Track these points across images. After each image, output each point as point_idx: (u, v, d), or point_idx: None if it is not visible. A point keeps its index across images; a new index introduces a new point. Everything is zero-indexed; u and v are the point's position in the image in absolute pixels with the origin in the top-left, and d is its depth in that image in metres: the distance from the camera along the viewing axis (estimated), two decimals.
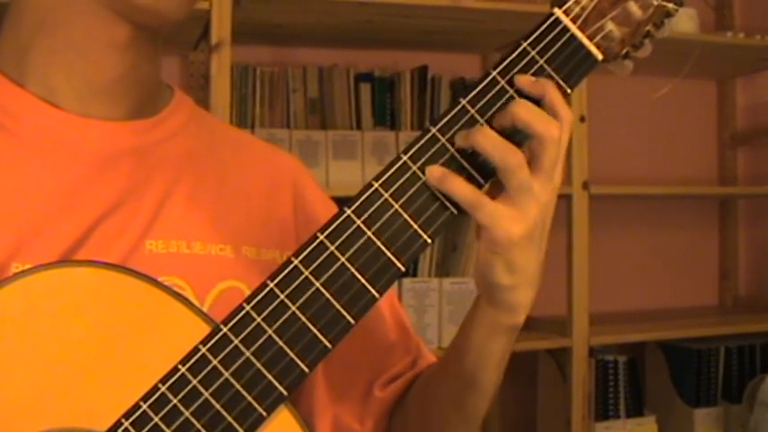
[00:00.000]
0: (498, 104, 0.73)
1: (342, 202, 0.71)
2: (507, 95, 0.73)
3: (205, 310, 0.80)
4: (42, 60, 0.82)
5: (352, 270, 0.70)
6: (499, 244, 0.72)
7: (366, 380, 0.93)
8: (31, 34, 0.83)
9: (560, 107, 0.72)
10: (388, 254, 0.71)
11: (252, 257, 0.87)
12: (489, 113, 0.72)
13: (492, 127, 0.72)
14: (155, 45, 0.87)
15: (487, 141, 0.70)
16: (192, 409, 0.68)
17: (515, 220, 0.72)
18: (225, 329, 0.69)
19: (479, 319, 0.80)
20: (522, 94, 0.73)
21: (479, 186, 0.72)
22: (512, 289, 0.75)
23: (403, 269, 0.71)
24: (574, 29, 0.74)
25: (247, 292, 0.82)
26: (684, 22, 2.32)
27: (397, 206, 0.71)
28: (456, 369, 0.85)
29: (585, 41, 0.74)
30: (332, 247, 0.70)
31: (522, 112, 0.71)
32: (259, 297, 0.69)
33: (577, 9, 0.73)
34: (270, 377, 0.69)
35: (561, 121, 0.72)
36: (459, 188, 0.71)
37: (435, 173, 0.71)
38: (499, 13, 2.07)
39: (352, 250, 0.70)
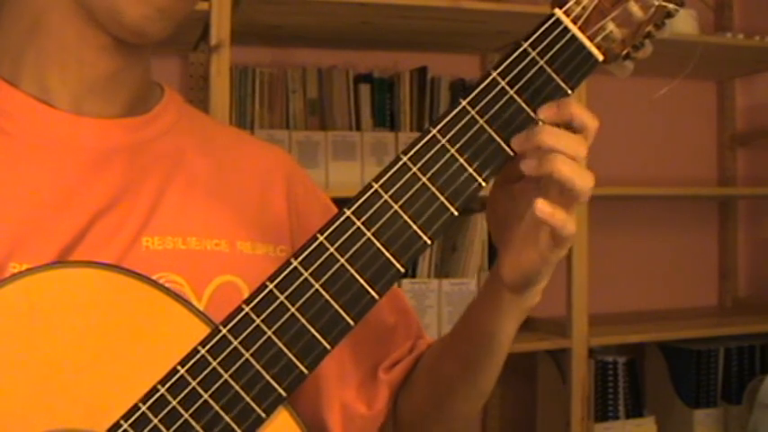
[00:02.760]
0: (498, 105, 0.73)
1: (341, 202, 0.71)
2: (507, 96, 0.73)
3: (202, 305, 0.80)
4: (36, 60, 0.83)
5: (352, 271, 0.70)
6: (561, 256, 0.78)
7: (370, 364, 0.94)
8: (25, 35, 0.83)
9: (587, 119, 0.75)
10: (388, 255, 0.71)
11: (247, 252, 0.87)
12: (490, 114, 0.72)
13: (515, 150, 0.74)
14: (142, 48, 0.87)
15: (567, 168, 0.72)
16: (191, 410, 0.68)
17: (572, 233, 0.76)
18: (224, 330, 0.69)
19: (500, 305, 0.82)
20: (528, 103, 0.73)
21: (479, 187, 0.72)
22: (543, 281, 0.81)
23: (402, 270, 0.71)
24: (574, 29, 0.73)
25: (243, 287, 0.83)
26: (684, 23, 2.32)
27: (396, 207, 0.71)
28: (469, 350, 0.87)
29: (586, 42, 0.74)
30: (331, 249, 0.70)
31: (549, 138, 0.73)
32: (258, 298, 0.69)
33: (578, 9, 0.73)
34: (269, 378, 0.69)
35: (590, 131, 0.75)
36: (567, 222, 0.74)
37: (546, 207, 0.73)
38: (499, 14, 2.06)
39: (351, 251, 0.70)
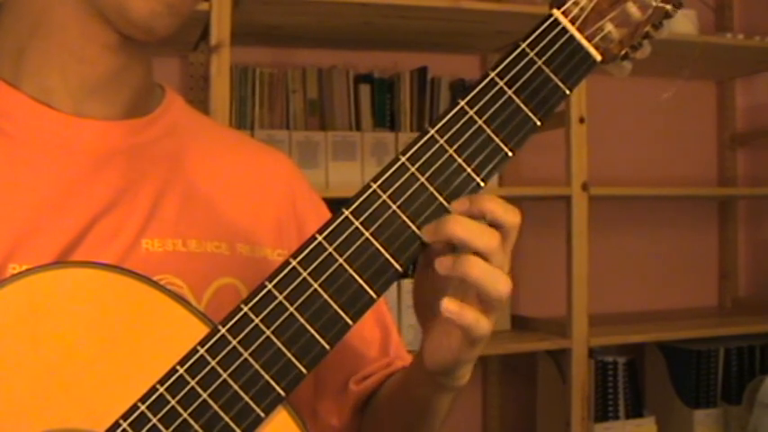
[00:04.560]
0: (497, 105, 0.72)
1: (341, 203, 0.71)
2: (506, 96, 0.73)
3: (202, 307, 0.80)
4: (38, 61, 0.83)
5: (351, 271, 0.70)
6: (477, 354, 0.75)
7: (343, 377, 0.94)
8: (27, 36, 0.83)
9: (503, 215, 0.71)
10: (386, 255, 0.71)
11: (246, 255, 0.87)
12: (488, 114, 0.72)
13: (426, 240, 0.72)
14: (145, 46, 0.87)
15: (477, 271, 0.70)
16: (190, 409, 0.68)
17: (490, 324, 0.73)
18: (223, 330, 0.69)
19: (427, 380, 0.80)
20: (526, 103, 0.73)
21: (477, 187, 0.72)
22: (465, 372, 0.78)
23: (401, 270, 0.71)
24: (573, 30, 0.73)
25: (243, 290, 0.83)
26: (684, 24, 2.32)
27: (395, 207, 0.71)
28: (403, 413, 0.87)
29: (584, 42, 0.74)
30: (330, 248, 0.70)
31: (459, 230, 0.70)
32: (257, 298, 0.69)
33: (576, 10, 0.73)
34: (268, 378, 0.69)
35: (509, 228, 0.71)
36: (480, 321, 0.71)
37: (453, 307, 0.71)
38: (498, 15, 2.06)
39: (350, 251, 0.70)
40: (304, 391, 0.90)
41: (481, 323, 0.71)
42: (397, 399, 0.89)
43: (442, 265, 0.71)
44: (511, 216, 0.71)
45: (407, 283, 2.09)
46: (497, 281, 0.70)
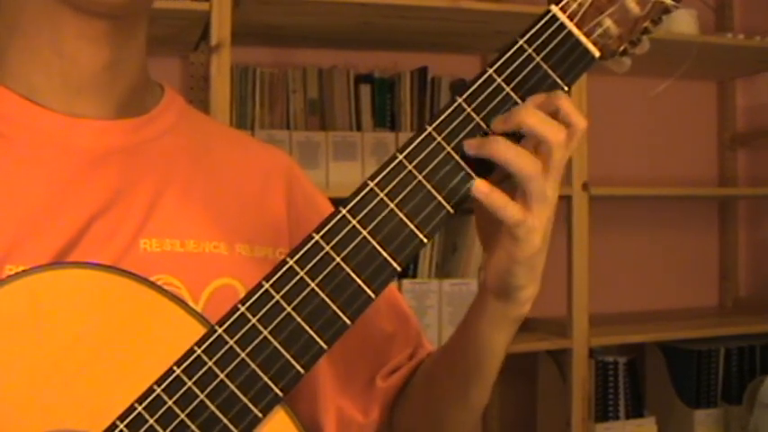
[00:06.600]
0: (495, 102, 0.72)
1: (341, 203, 0.71)
2: (503, 93, 0.72)
3: (200, 308, 0.79)
4: (20, 60, 0.82)
5: (348, 270, 0.69)
6: (528, 255, 0.74)
7: (368, 371, 0.93)
8: (7, 35, 0.82)
9: (574, 116, 0.72)
10: (384, 254, 0.70)
11: (245, 255, 0.86)
12: (486, 111, 0.72)
13: (494, 130, 0.72)
14: (135, 40, 0.86)
15: (506, 151, 0.71)
16: (187, 410, 0.67)
17: (537, 230, 0.73)
18: (220, 330, 0.68)
19: (486, 313, 0.80)
20: (524, 100, 0.73)
21: None
22: (525, 287, 0.77)
23: (399, 269, 0.71)
24: (571, 26, 0.73)
25: (241, 290, 0.82)
26: (684, 24, 2.32)
27: (392, 205, 0.70)
28: (461, 360, 0.85)
29: (583, 38, 0.73)
30: (327, 248, 0.70)
31: (528, 118, 0.71)
32: (254, 298, 0.69)
33: (575, 6, 0.73)
34: (265, 378, 0.68)
35: (575, 129, 0.73)
36: (508, 205, 0.71)
37: (483, 187, 0.71)
38: (498, 15, 2.07)
39: (347, 250, 0.70)
40: (327, 388, 0.90)
41: (509, 208, 0.71)
42: (447, 360, 0.89)
43: (471, 145, 0.72)
44: (581, 119, 0.73)
45: (408, 283, 2.09)
46: (523, 159, 0.71)
